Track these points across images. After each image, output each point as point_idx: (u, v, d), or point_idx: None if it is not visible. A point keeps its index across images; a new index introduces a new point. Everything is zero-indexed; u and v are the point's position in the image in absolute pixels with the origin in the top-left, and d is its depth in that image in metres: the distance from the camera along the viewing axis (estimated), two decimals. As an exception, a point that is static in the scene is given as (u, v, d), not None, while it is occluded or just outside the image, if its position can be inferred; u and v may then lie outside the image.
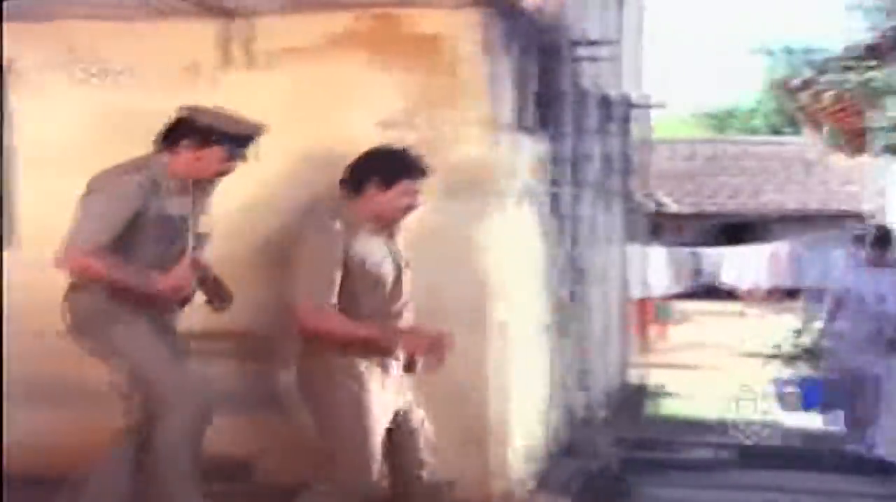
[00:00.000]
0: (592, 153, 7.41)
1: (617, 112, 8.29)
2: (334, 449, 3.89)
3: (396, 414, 3.99)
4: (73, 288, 3.99)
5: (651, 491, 5.87)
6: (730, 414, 8.97)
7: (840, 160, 17.17)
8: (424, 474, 4.03)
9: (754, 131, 37.57)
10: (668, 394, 10.08)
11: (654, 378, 10.16)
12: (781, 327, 13.18)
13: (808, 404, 7.85)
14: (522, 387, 5.19)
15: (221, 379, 4.60)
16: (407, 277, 4.01)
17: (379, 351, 3.88)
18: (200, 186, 4.13)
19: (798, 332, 8.12)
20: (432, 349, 3.92)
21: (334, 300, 3.77)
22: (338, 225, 3.82)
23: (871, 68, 3.78)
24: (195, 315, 4.27)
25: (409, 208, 3.98)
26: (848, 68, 3.57)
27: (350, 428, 3.85)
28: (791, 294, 14.67)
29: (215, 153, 4.02)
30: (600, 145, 7.77)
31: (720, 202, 27.24)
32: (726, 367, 13.08)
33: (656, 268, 16.10)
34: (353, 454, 3.85)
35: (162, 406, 3.91)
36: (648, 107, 9.50)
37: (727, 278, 18.87)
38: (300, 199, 4.79)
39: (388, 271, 3.93)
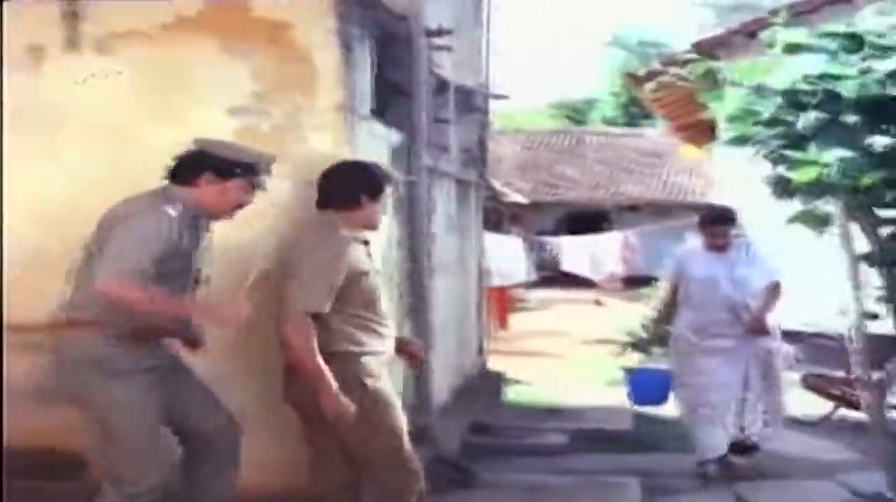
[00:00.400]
0: (448, 143, 7.47)
1: (472, 102, 8.36)
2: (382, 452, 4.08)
3: None
4: (69, 326, 3.83)
5: (492, 477, 5.95)
6: (582, 400, 9.21)
7: (691, 151, 17.66)
8: None
9: (612, 123, 38.40)
10: (524, 382, 10.25)
11: (511, 366, 10.32)
12: (635, 315, 13.55)
13: (638, 399, 7.91)
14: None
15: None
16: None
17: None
18: (209, 220, 4.10)
19: (654, 321, 8.09)
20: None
21: (327, 309, 3.92)
22: (345, 233, 4.09)
23: (716, 60, 3.94)
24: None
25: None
26: (692, 61, 3.72)
27: (395, 422, 4.10)
28: (648, 282, 15.05)
29: (238, 185, 3.97)
30: (456, 135, 7.84)
31: (578, 192, 27.78)
32: (581, 355, 13.38)
33: (513, 257, 16.31)
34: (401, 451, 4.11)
35: (116, 476, 3.85)
36: (503, 97, 9.61)
37: (582, 266, 19.24)
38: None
39: (379, 285, 4.19)
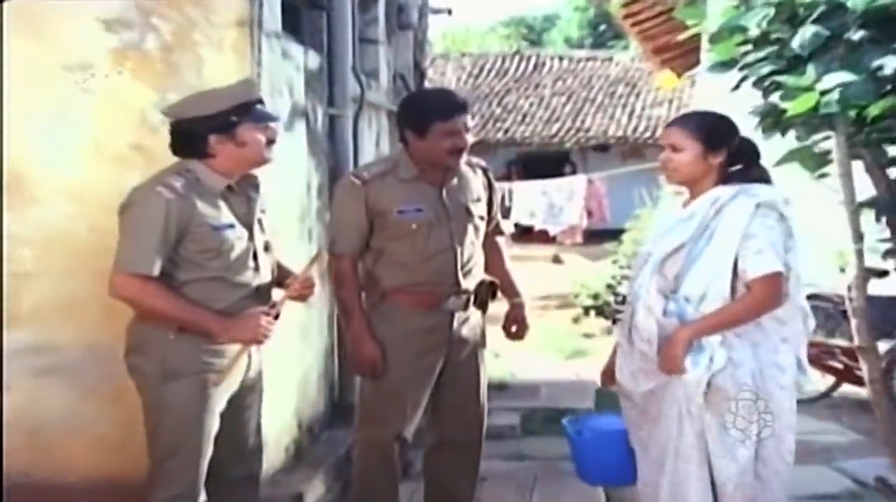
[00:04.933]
0: (378, 68, 7.41)
1: (407, 18, 8.29)
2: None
3: None
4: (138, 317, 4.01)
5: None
6: (536, 374, 9.24)
7: (670, 79, 17.71)
8: None
9: (576, 45, 38.42)
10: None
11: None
12: (598, 275, 13.62)
13: (586, 475, 4.82)
14: (286, 353, 5.18)
15: None
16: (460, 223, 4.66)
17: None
18: (248, 181, 4.16)
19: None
20: None
21: (358, 249, 4.61)
22: (363, 177, 4.58)
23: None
24: None
25: (454, 149, 4.49)
26: (670, -29, 3.64)
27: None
28: (615, 235, 15.12)
29: (248, 128, 3.98)
30: (388, 58, 7.77)
31: (533, 128, 27.80)
32: (536, 321, 13.40)
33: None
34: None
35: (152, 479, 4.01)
36: (444, 12, 9.55)
37: (538, 217, 19.23)
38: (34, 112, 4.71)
39: (423, 218, 4.53)
